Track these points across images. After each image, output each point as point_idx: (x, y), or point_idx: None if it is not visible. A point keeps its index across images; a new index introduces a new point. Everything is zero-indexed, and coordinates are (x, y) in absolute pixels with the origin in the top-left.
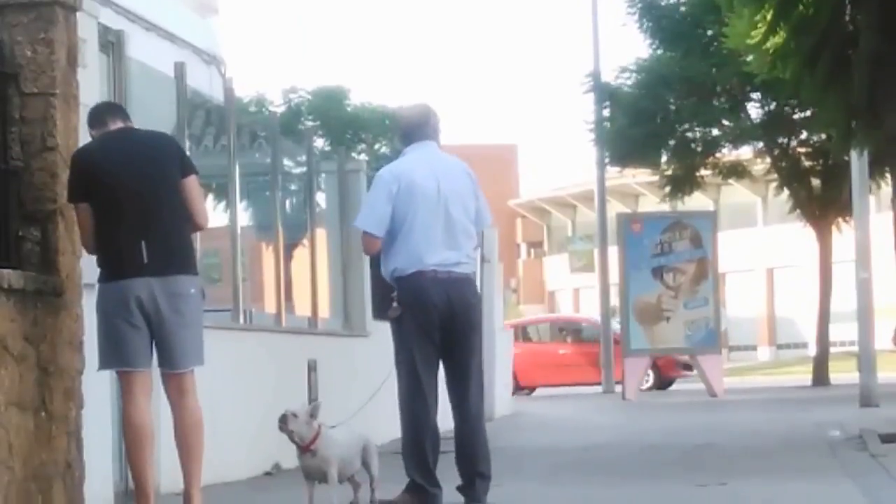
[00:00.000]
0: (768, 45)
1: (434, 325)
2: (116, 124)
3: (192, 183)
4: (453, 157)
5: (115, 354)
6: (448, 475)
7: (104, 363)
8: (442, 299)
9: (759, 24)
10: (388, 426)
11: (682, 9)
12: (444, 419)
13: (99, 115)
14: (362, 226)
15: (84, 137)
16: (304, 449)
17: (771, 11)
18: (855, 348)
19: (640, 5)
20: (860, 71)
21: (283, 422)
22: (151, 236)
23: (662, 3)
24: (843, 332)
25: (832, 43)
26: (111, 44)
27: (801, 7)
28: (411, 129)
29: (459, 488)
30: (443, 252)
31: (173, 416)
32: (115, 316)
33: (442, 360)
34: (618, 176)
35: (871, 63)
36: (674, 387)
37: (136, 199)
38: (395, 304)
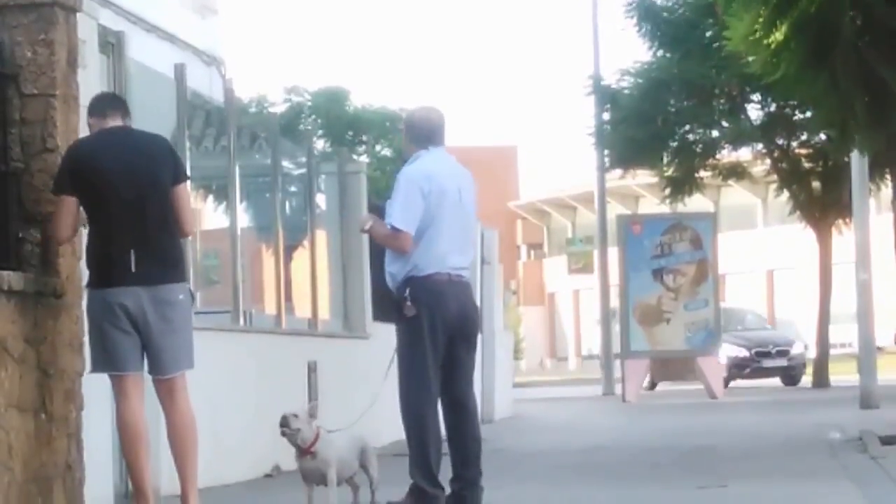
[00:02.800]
0: (768, 41)
1: (444, 327)
2: (116, 121)
3: (182, 190)
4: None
5: (106, 358)
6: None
7: (95, 367)
8: (455, 302)
9: (760, 20)
10: (388, 428)
11: (680, 11)
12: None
13: (100, 105)
14: (403, 225)
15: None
16: (305, 451)
17: (769, 8)
18: (855, 350)
19: (637, 9)
20: (865, 72)
21: (285, 424)
22: (141, 245)
23: (660, 5)
24: (843, 333)
25: (837, 43)
26: (111, 45)
27: (802, 5)
28: (430, 132)
29: (459, 490)
30: (458, 256)
31: (165, 419)
32: (104, 321)
33: (443, 363)
34: (618, 178)
35: (874, 64)
36: (672, 389)
37: (128, 207)
38: (408, 304)
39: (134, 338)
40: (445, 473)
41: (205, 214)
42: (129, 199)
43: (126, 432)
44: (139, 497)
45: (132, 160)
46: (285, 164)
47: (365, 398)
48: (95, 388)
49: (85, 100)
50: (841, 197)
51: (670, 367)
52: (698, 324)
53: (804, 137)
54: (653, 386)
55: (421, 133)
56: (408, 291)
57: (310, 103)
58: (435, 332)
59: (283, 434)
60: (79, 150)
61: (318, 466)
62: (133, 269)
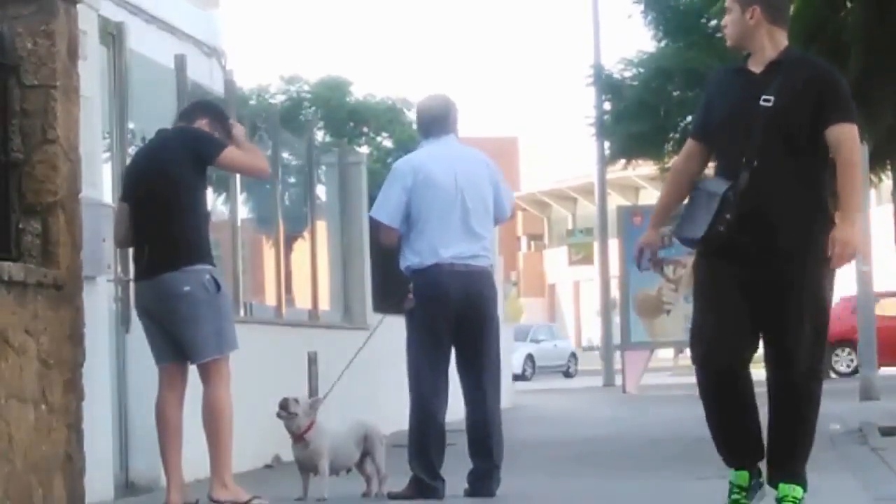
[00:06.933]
0: None
1: (449, 318)
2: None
3: (225, 158)
4: (472, 148)
5: (150, 349)
6: (454, 467)
7: None
8: (458, 292)
9: None
10: (391, 418)
11: None
12: (457, 411)
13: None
14: (376, 215)
15: (84, 129)
16: (298, 438)
17: None
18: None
19: None
20: (853, 60)
21: (284, 406)
22: (151, 241)
23: None
24: None
25: (827, 31)
26: (112, 36)
27: None
28: (432, 122)
29: (472, 482)
30: (459, 245)
31: None
32: (138, 314)
33: (456, 353)
34: (618, 169)
35: (863, 52)
36: (672, 380)
37: (140, 206)
38: (409, 296)
39: (160, 329)
40: (447, 466)
41: None
42: (140, 201)
43: (155, 419)
44: (167, 482)
45: (145, 160)
46: (286, 155)
47: (365, 389)
48: (96, 379)
49: (85, 91)
50: None
51: None
52: None
53: None
54: None
55: (422, 124)
56: (411, 284)
57: (309, 94)
58: (435, 324)
59: (279, 416)
60: (133, 155)
61: (310, 455)
62: (144, 265)
